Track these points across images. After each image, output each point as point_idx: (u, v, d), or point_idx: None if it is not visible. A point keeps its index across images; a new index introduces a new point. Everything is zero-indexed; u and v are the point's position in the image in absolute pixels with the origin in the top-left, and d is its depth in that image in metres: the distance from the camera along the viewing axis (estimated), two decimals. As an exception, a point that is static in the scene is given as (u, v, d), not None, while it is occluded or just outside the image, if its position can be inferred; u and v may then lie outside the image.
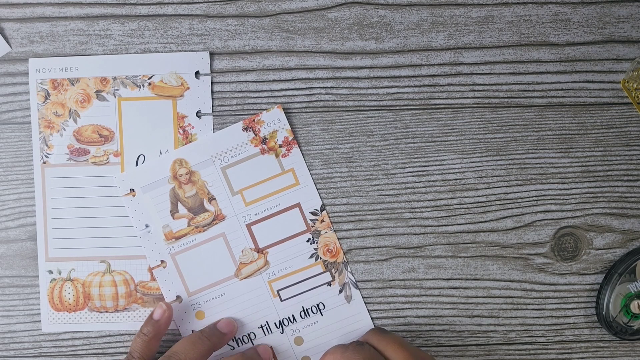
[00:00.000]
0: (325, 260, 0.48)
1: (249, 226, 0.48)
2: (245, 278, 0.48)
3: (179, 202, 0.47)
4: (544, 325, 0.49)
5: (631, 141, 0.49)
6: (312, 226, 0.48)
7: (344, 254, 0.48)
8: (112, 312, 0.49)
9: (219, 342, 0.46)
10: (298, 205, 0.48)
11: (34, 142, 0.48)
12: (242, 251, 0.48)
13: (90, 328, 0.49)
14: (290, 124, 0.48)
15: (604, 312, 0.48)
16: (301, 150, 0.48)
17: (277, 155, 0.48)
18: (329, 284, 0.48)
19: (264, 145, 0.48)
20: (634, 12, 0.49)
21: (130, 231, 0.49)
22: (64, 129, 0.49)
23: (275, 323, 0.48)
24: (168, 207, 0.48)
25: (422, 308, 0.49)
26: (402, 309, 0.49)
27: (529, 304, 0.49)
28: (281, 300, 0.48)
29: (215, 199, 0.48)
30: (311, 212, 0.48)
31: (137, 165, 0.48)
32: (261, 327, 0.48)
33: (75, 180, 0.49)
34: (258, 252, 0.48)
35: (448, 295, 0.49)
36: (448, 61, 0.49)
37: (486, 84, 0.49)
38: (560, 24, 0.49)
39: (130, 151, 0.49)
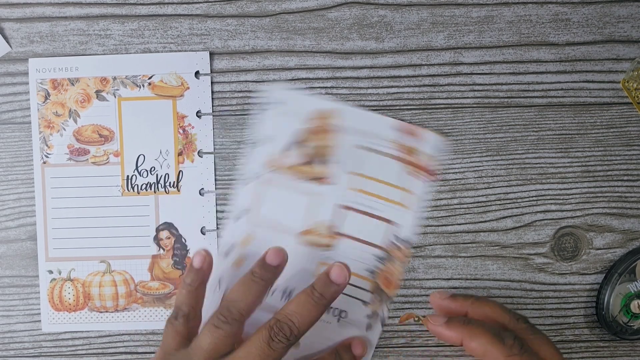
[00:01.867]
0: (378, 284, 0.48)
1: (340, 206, 0.47)
2: (302, 244, 0.48)
3: (301, 143, 0.47)
4: (544, 325, 0.49)
5: (631, 141, 0.49)
6: (390, 249, 0.48)
7: (395, 292, 0.48)
8: (112, 312, 0.49)
9: (272, 277, 0.43)
10: (392, 223, 0.47)
11: (34, 142, 0.48)
12: (318, 221, 0.48)
13: (90, 328, 0.49)
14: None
15: (604, 312, 0.48)
16: (432, 185, 0.48)
17: (406, 171, 0.47)
18: (365, 303, 0.48)
19: (407, 155, 0.47)
20: (634, 12, 0.49)
21: (130, 231, 0.49)
22: (64, 129, 0.49)
23: None
24: (290, 139, 0.47)
25: (422, 308, 0.49)
26: (402, 309, 0.49)
27: (529, 304, 0.49)
28: None
29: (332, 162, 0.47)
30: (397, 237, 0.47)
31: (137, 166, 0.49)
32: (285, 291, 0.48)
33: (75, 180, 0.49)
34: (330, 232, 0.48)
35: (448, 295, 0.49)
36: (448, 61, 0.49)
37: (486, 84, 0.49)
38: (560, 24, 0.49)
39: (130, 151, 0.49)
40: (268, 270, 0.42)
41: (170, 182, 0.49)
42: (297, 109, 0.47)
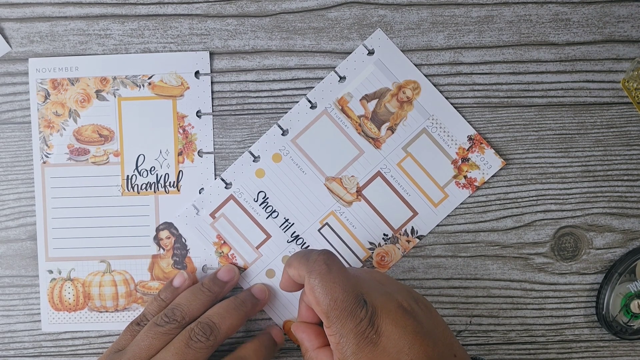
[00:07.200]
0: (372, 258, 0.48)
1: (378, 173, 0.48)
2: (324, 187, 0.48)
3: (379, 100, 0.47)
4: (544, 325, 0.49)
5: (631, 141, 0.49)
6: (401, 234, 0.48)
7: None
8: (112, 311, 0.49)
9: (220, 291, 0.46)
10: (414, 213, 0.48)
11: (34, 142, 0.48)
12: (350, 177, 0.48)
13: (90, 328, 0.49)
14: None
15: (604, 312, 0.48)
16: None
17: (455, 177, 0.48)
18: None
19: (463, 164, 0.48)
20: (634, 12, 0.49)
21: (130, 231, 0.49)
22: (64, 129, 0.49)
23: (299, 234, 0.48)
24: (371, 91, 0.48)
25: (422, 308, 0.49)
26: (402, 308, 0.49)
27: (529, 304, 0.49)
28: (318, 230, 0.48)
29: (394, 132, 0.48)
30: (414, 229, 0.48)
31: (137, 165, 0.49)
32: (287, 221, 0.48)
33: (75, 180, 0.49)
34: (357, 191, 0.48)
35: (448, 295, 0.49)
36: (448, 61, 0.49)
37: (486, 84, 0.49)
38: (560, 23, 0.49)
39: (130, 151, 0.49)
40: (217, 284, 0.46)
41: (170, 182, 0.49)
42: (393, 68, 0.48)
